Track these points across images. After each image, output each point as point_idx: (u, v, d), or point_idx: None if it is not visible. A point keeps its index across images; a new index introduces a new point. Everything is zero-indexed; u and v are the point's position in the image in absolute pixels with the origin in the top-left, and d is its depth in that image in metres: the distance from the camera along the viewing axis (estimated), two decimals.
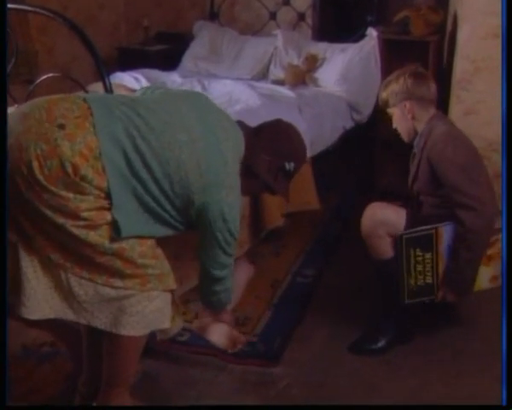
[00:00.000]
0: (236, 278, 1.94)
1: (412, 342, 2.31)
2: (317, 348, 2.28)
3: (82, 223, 1.52)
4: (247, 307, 2.52)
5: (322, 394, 2.05)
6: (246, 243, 2.70)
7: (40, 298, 1.58)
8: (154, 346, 2.14)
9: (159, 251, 1.68)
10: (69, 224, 1.51)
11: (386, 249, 2.22)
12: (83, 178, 1.50)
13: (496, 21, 2.91)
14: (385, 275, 2.26)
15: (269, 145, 1.83)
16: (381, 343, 2.26)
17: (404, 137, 2.37)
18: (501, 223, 2.23)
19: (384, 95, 2.35)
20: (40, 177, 1.48)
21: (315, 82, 3.67)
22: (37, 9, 2.20)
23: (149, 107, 1.66)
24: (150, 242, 1.65)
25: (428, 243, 2.18)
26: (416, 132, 2.32)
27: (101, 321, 1.62)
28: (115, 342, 1.67)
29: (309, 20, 4.22)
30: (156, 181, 1.60)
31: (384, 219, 2.22)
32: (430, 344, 2.30)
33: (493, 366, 2.16)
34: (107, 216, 1.55)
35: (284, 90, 3.45)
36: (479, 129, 2.91)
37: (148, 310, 1.64)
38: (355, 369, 2.18)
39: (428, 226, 2.17)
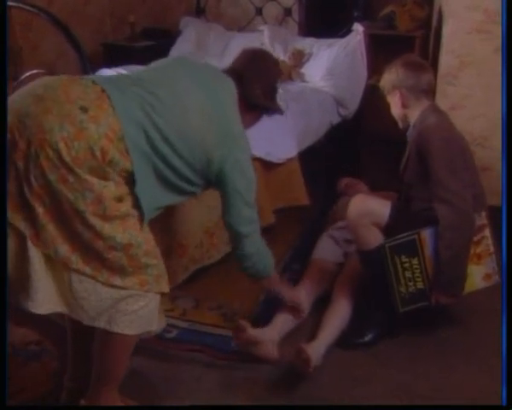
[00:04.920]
0: None
1: (400, 336, 2.31)
2: (305, 342, 2.29)
3: (101, 212, 1.52)
4: (234, 303, 2.52)
5: (310, 388, 2.06)
6: None
7: (45, 292, 1.55)
8: (141, 343, 2.14)
9: (158, 250, 1.69)
10: (89, 211, 1.51)
11: (371, 239, 2.23)
12: (110, 162, 1.53)
13: (480, 16, 2.94)
14: (370, 266, 2.27)
15: (255, 75, 1.98)
16: (367, 337, 2.27)
17: (399, 124, 2.43)
18: (484, 220, 2.25)
19: (381, 82, 2.42)
20: (67, 158, 1.48)
21: (301, 77, 3.67)
22: (21, 5, 2.19)
23: (155, 82, 1.72)
24: (153, 241, 1.67)
25: (412, 248, 2.18)
26: (408, 121, 2.35)
27: (94, 320, 1.61)
28: (107, 341, 1.68)
29: (295, 15, 4.22)
30: (176, 152, 1.68)
31: (368, 208, 2.24)
32: (417, 338, 2.31)
33: (481, 359, 2.18)
34: (122, 208, 1.56)
35: None
36: (464, 124, 2.93)
37: (143, 310, 1.65)
38: (342, 363, 2.19)
39: (410, 232, 2.18)
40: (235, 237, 1.94)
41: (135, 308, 1.63)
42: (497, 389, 1.62)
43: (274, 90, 2.05)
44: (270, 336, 2.16)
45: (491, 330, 2.21)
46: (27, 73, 2.37)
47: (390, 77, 2.35)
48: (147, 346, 2.16)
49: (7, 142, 1.48)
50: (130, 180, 1.61)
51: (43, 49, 3.89)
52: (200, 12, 4.47)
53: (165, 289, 1.70)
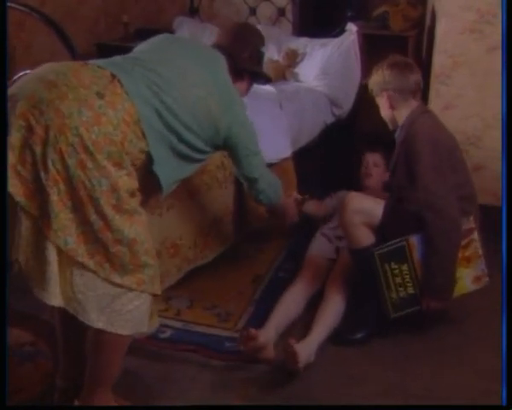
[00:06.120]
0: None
1: (394, 335, 2.31)
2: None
3: (114, 202, 1.53)
4: (229, 303, 2.52)
5: (304, 388, 2.06)
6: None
7: (56, 284, 1.54)
8: (135, 343, 2.13)
9: (155, 252, 1.69)
10: (103, 200, 1.52)
11: (361, 239, 2.24)
12: (127, 147, 1.56)
13: (473, 16, 2.95)
14: (360, 264, 2.27)
15: (240, 43, 2.13)
16: (360, 334, 2.27)
17: (388, 125, 2.44)
18: (471, 224, 2.25)
19: (369, 85, 2.44)
20: (89, 143, 1.49)
21: (295, 77, 3.67)
22: (13, 4, 2.18)
23: (154, 61, 1.77)
24: (152, 242, 1.67)
25: (402, 254, 2.19)
26: (397, 122, 2.36)
27: (89, 317, 1.60)
28: (101, 341, 1.67)
29: (289, 15, 4.21)
30: (187, 127, 1.76)
31: (360, 208, 2.24)
32: (413, 337, 2.31)
33: (473, 359, 2.19)
34: (132, 203, 1.58)
35: (265, 86, 3.45)
36: (457, 123, 2.95)
37: (138, 310, 1.65)
38: (337, 362, 2.19)
39: (399, 239, 2.19)
40: (250, 182, 2.17)
41: (130, 308, 1.63)
42: (497, 389, 1.62)
43: (259, 55, 2.20)
44: (269, 337, 2.16)
45: (488, 330, 2.23)
46: (21, 73, 2.36)
47: (377, 79, 2.37)
48: (141, 346, 2.16)
49: (6, 140, 1.47)
50: (142, 166, 1.64)
51: (36, 49, 3.88)
52: (193, 12, 4.45)
53: (158, 290, 1.71)
